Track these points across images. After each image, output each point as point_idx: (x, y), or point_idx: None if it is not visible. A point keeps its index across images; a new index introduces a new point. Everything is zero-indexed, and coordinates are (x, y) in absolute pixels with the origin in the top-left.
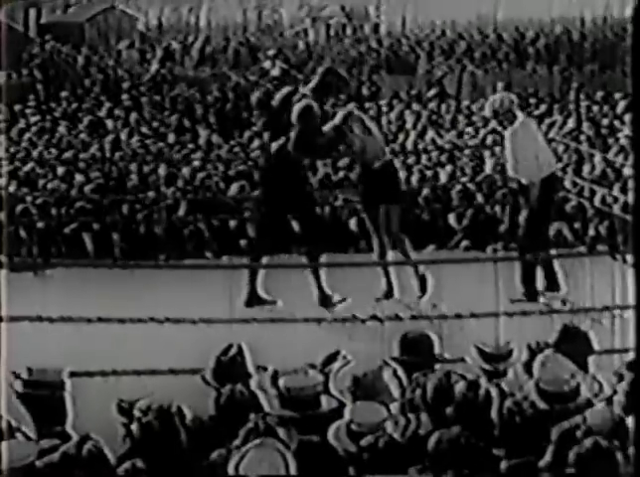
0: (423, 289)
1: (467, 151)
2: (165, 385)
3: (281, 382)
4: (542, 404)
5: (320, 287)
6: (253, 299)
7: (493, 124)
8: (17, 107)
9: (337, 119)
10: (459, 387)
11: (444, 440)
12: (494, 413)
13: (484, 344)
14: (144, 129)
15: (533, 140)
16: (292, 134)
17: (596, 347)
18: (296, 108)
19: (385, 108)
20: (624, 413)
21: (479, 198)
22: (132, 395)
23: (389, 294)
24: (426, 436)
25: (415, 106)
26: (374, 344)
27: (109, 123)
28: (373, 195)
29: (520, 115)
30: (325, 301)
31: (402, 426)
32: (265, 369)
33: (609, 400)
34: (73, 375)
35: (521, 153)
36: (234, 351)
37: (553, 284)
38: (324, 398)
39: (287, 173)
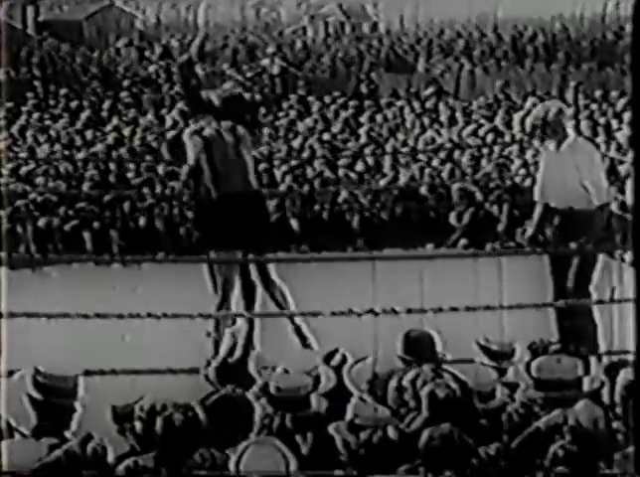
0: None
1: (467, 149)
2: (164, 382)
3: (272, 382)
4: (538, 394)
5: None
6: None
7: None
8: (16, 105)
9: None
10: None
11: (435, 437)
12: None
13: (487, 340)
14: (143, 123)
15: (588, 164)
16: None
17: (601, 346)
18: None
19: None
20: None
21: (478, 196)
22: (130, 393)
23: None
24: (418, 433)
25: (414, 104)
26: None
27: (109, 120)
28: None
29: (571, 132)
30: None
31: (408, 421)
32: (268, 369)
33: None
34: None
35: (566, 177)
36: (239, 353)
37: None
38: (314, 399)
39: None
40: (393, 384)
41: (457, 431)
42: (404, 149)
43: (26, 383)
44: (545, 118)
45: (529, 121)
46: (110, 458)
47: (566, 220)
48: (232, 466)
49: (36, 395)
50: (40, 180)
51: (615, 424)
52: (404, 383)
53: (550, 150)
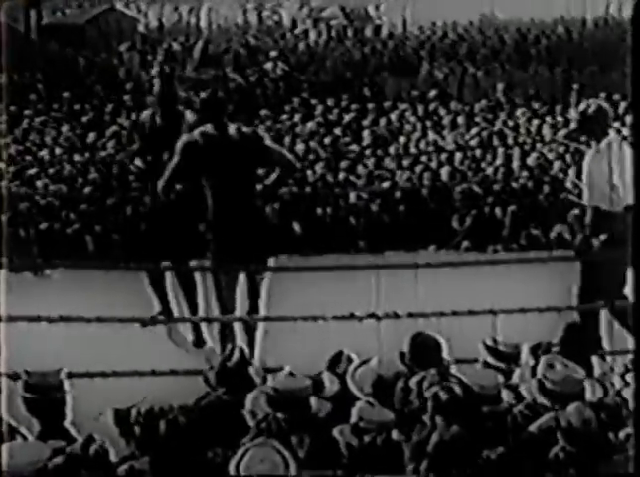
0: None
1: (469, 152)
2: (165, 385)
3: (270, 383)
4: (545, 402)
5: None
6: None
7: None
8: (19, 109)
9: None
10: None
11: (445, 440)
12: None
13: (495, 341)
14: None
15: (621, 164)
16: None
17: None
18: None
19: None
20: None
21: (481, 198)
22: (131, 395)
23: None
24: (427, 436)
25: (418, 107)
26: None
27: (111, 124)
28: None
29: (611, 132)
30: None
31: (417, 430)
32: (269, 371)
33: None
34: (72, 375)
35: (600, 178)
36: (237, 355)
37: None
38: (313, 401)
39: None
40: (399, 384)
41: (463, 434)
42: (407, 152)
43: (20, 384)
44: (584, 116)
45: (578, 118)
46: (112, 458)
47: (594, 219)
48: (231, 468)
49: (27, 394)
50: (42, 183)
51: (618, 426)
52: (411, 384)
53: (592, 149)
